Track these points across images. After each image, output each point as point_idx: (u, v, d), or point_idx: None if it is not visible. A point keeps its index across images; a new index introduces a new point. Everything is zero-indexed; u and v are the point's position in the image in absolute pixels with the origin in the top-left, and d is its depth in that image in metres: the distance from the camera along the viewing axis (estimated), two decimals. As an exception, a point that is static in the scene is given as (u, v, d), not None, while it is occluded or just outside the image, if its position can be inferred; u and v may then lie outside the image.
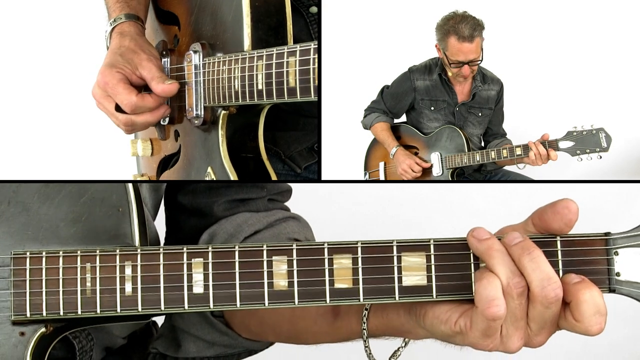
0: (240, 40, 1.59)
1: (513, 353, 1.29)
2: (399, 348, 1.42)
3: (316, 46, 1.41)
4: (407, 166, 2.78)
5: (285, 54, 1.46)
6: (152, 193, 1.72)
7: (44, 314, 1.34)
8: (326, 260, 1.30)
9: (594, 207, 2.93)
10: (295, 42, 1.57)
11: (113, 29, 1.77)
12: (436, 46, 2.70)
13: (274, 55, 1.48)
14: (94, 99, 1.73)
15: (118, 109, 1.69)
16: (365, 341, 1.41)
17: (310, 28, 1.86)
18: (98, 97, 1.72)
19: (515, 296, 1.23)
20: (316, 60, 1.40)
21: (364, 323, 1.41)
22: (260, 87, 1.51)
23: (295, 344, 1.63)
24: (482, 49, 2.64)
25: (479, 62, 2.65)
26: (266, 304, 1.31)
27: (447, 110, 2.78)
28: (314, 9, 1.86)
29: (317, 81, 1.41)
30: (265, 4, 1.59)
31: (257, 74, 1.51)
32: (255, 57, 1.52)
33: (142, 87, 1.70)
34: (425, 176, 2.78)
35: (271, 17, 1.60)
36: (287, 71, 1.45)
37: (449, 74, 2.71)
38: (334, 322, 1.48)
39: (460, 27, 2.59)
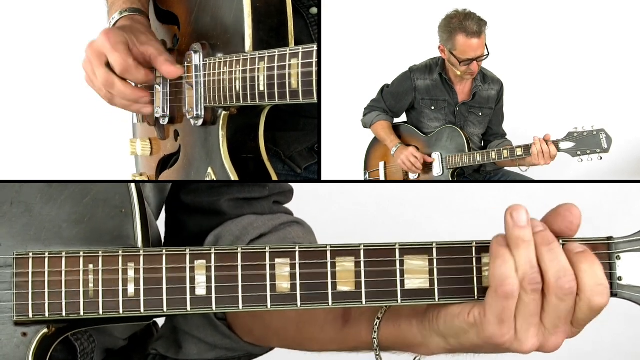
0: (241, 41, 1.58)
1: (526, 353, 1.28)
2: None
3: (317, 47, 1.41)
4: (405, 157, 2.78)
5: (288, 55, 1.45)
6: (157, 193, 1.72)
7: (47, 314, 1.34)
8: (329, 263, 1.31)
9: (594, 207, 2.92)
10: (295, 43, 1.57)
11: (121, 18, 1.77)
12: (439, 48, 2.69)
13: (276, 56, 1.47)
14: (84, 54, 1.71)
15: (107, 65, 1.66)
16: (375, 350, 1.40)
17: (310, 29, 1.86)
18: (91, 53, 1.68)
19: (530, 291, 1.24)
20: (317, 60, 1.40)
21: (375, 332, 1.40)
22: (262, 88, 1.50)
23: (299, 350, 1.62)
24: (486, 45, 2.64)
25: (486, 56, 2.65)
26: (269, 306, 1.31)
27: (447, 110, 2.78)
28: (314, 10, 1.86)
29: (317, 82, 1.41)
30: (266, 4, 1.59)
31: (258, 76, 1.51)
32: (257, 59, 1.51)
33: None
34: (425, 176, 2.78)
35: (272, 17, 1.60)
36: (290, 73, 1.45)
37: (458, 73, 2.70)
38: (342, 330, 1.47)
39: (467, 24, 2.58)
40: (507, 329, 1.26)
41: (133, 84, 1.71)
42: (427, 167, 2.79)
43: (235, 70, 1.56)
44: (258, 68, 1.51)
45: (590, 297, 1.24)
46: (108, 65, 1.66)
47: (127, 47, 1.66)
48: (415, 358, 1.40)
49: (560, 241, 1.28)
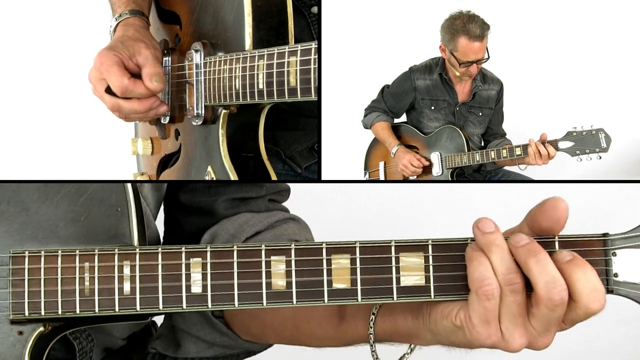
0: (242, 40, 1.59)
1: (516, 351, 1.29)
2: (405, 354, 1.42)
3: (317, 46, 1.41)
4: (407, 161, 2.78)
5: (287, 53, 1.46)
6: (154, 192, 1.72)
7: (43, 313, 1.34)
8: (324, 260, 1.30)
9: (593, 207, 2.93)
10: (296, 42, 1.57)
11: (118, 24, 1.78)
12: (440, 47, 2.69)
13: (275, 54, 1.48)
14: (89, 83, 1.73)
15: (109, 91, 1.68)
16: (372, 345, 1.41)
17: (312, 28, 1.86)
18: (92, 80, 1.71)
19: (509, 293, 1.24)
20: (317, 60, 1.40)
21: (371, 327, 1.40)
22: (261, 86, 1.51)
23: (298, 346, 1.62)
24: (487, 49, 2.64)
25: (486, 60, 2.65)
26: (264, 303, 1.31)
27: (447, 110, 2.78)
28: (315, 9, 1.86)
29: (317, 81, 1.41)
30: (267, 3, 1.60)
31: (258, 74, 1.51)
32: (257, 57, 1.52)
33: (138, 76, 1.70)
34: (425, 176, 2.78)
35: (273, 17, 1.60)
36: (288, 71, 1.45)
37: (456, 74, 2.70)
38: (340, 326, 1.48)
39: (470, 26, 2.58)
40: (493, 331, 1.26)
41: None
42: (427, 167, 2.79)
43: (235, 68, 1.56)
44: (257, 66, 1.51)
45: (587, 304, 1.23)
46: (109, 89, 1.67)
47: (121, 66, 1.67)
48: (410, 347, 1.41)
49: (557, 239, 1.28)
